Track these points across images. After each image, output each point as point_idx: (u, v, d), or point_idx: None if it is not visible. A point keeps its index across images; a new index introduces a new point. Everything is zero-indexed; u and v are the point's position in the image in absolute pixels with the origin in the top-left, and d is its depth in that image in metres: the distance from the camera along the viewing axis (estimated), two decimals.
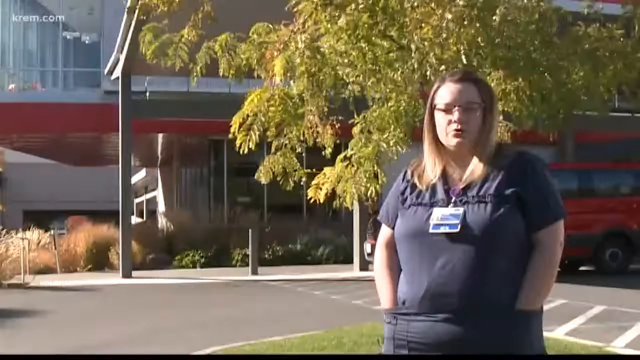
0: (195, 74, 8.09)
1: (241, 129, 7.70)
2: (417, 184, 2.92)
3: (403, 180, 3.00)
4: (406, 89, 7.02)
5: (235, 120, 7.71)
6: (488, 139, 2.85)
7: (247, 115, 7.64)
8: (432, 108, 2.90)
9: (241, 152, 7.75)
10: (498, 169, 2.80)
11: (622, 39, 7.44)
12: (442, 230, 2.75)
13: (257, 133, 7.66)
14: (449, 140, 2.84)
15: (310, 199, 7.94)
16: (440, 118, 2.86)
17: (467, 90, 2.84)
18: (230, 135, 7.80)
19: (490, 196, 2.75)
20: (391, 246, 2.96)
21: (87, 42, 34.60)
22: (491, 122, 2.86)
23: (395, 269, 2.92)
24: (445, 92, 2.87)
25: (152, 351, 9.35)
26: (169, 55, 7.99)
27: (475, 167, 2.82)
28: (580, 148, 24.58)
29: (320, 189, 7.78)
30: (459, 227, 2.72)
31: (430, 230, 2.77)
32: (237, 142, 7.72)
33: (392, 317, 2.84)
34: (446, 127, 2.84)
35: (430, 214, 2.80)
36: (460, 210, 2.76)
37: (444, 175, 2.89)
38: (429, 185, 2.89)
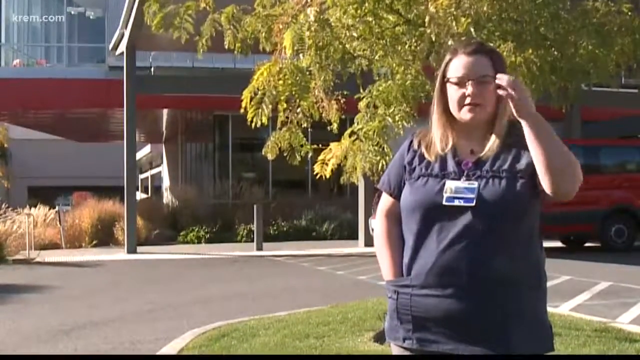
0: (201, 46, 8.04)
1: (252, 102, 7.64)
2: (425, 154, 2.85)
3: (409, 150, 2.92)
4: (414, 63, 6.97)
5: (246, 95, 7.64)
6: (505, 111, 2.76)
7: (257, 89, 7.58)
8: (444, 80, 2.83)
9: (252, 126, 7.68)
10: (511, 146, 2.75)
11: (630, 14, 7.38)
12: (457, 203, 2.69)
13: (269, 107, 7.58)
14: (463, 114, 2.77)
15: (317, 175, 7.91)
16: (452, 91, 2.79)
17: (480, 63, 2.77)
18: (242, 110, 7.73)
19: (504, 171, 2.71)
20: (392, 215, 2.90)
21: (91, 17, 34.54)
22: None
23: (397, 240, 2.85)
24: (458, 65, 2.79)
25: (157, 327, 9.36)
26: (174, 25, 7.91)
27: (494, 142, 2.77)
28: (586, 125, 24.48)
29: (327, 164, 7.75)
30: (475, 201, 2.68)
31: (444, 203, 2.71)
32: (249, 117, 7.64)
33: (392, 291, 2.80)
34: (459, 101, 2.77)
35: (443, 185, 2.75)
36: (474, 184, 2.71)
37: (453, 147, 2.83)
38: (437, 157, 2.83)
